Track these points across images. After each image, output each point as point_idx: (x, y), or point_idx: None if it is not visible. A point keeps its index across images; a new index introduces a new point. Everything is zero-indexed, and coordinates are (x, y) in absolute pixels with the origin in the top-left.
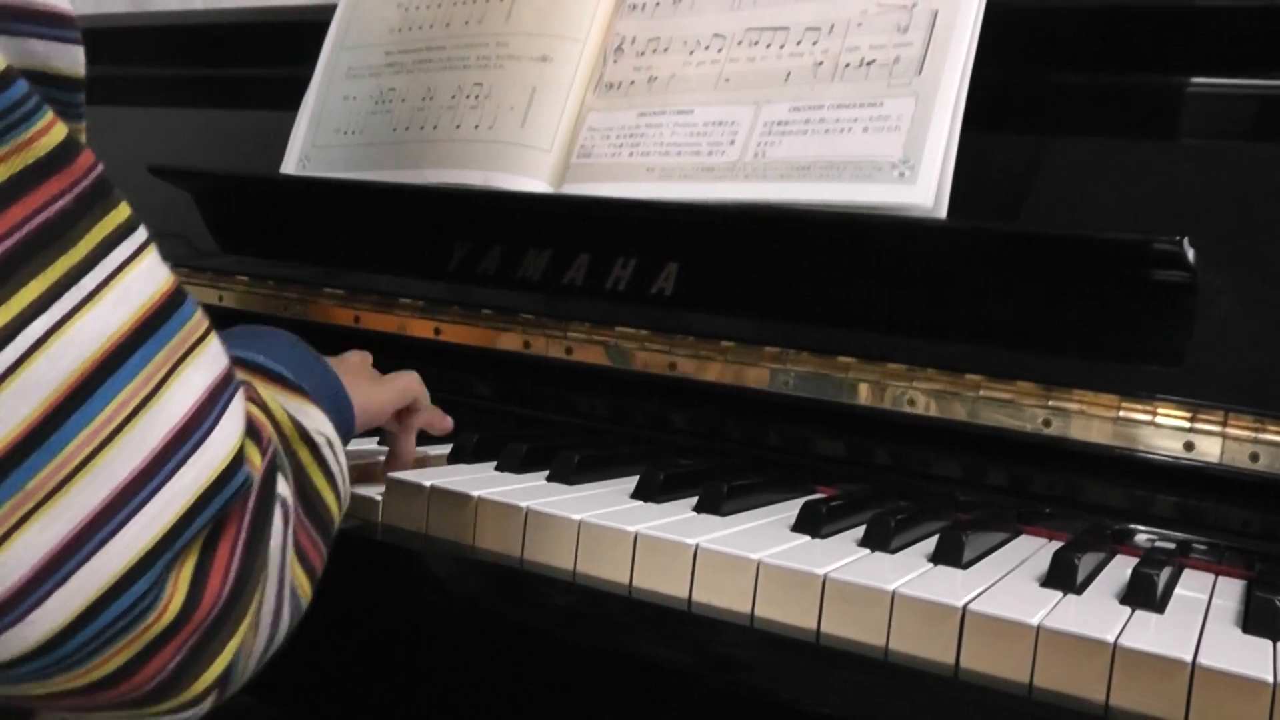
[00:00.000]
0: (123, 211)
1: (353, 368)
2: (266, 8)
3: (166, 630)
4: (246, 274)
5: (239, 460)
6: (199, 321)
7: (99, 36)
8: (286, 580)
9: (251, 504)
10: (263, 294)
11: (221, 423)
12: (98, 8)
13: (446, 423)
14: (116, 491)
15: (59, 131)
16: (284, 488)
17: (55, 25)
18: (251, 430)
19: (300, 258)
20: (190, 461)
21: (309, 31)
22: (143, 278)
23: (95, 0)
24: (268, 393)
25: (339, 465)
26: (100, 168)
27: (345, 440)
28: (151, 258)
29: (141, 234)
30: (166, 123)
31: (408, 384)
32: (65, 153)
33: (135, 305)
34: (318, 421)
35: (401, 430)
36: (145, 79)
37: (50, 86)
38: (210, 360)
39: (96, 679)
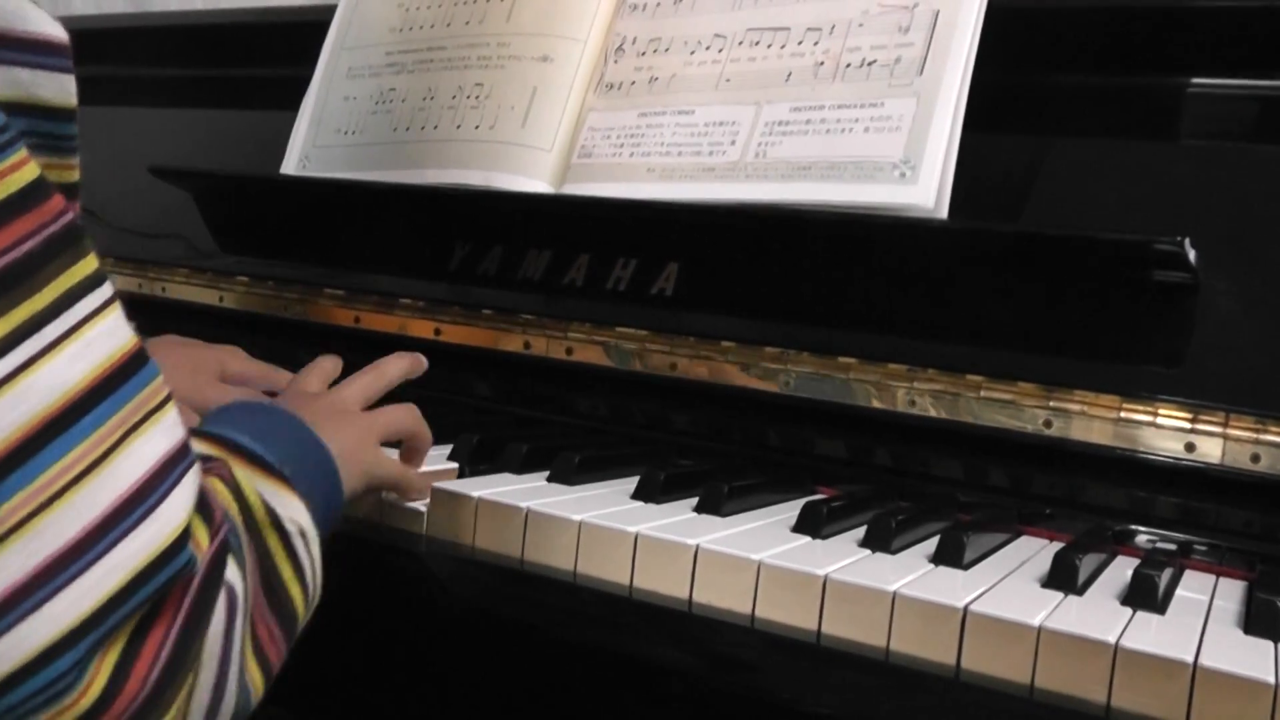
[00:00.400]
0: (91, 263)
1: (329, 416)
2: (267, 8)
3: (85, 715)
4: (247, 274)
5: (183, 539)
6: (158, 387)
7: (99, 37)
8: (231, 671)
9: (193, 590)
10: (263, 294)
11: (171, 497)
12: (98, 8)
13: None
14: (51, 559)
15: (31, 170)
16: (234, 575)
17: (42, 53)
18: (204, 509)
19: (300, 258)
20: (135, 533)
21: (309, 32)
22: (106, 334)
23: (96, 1)
24: (243, 474)
25: (310, 557)
26: (70, 215)
27: (332, 521)
28: (116, 314)
29: (108, 289)
30: (167, 123)
31: (389, 423)
32: (35, 192)
33: (95, 361)
34: (293, 510)
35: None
36: (146, 79)
37: (37, 118)
38: (166, 429)
39: None
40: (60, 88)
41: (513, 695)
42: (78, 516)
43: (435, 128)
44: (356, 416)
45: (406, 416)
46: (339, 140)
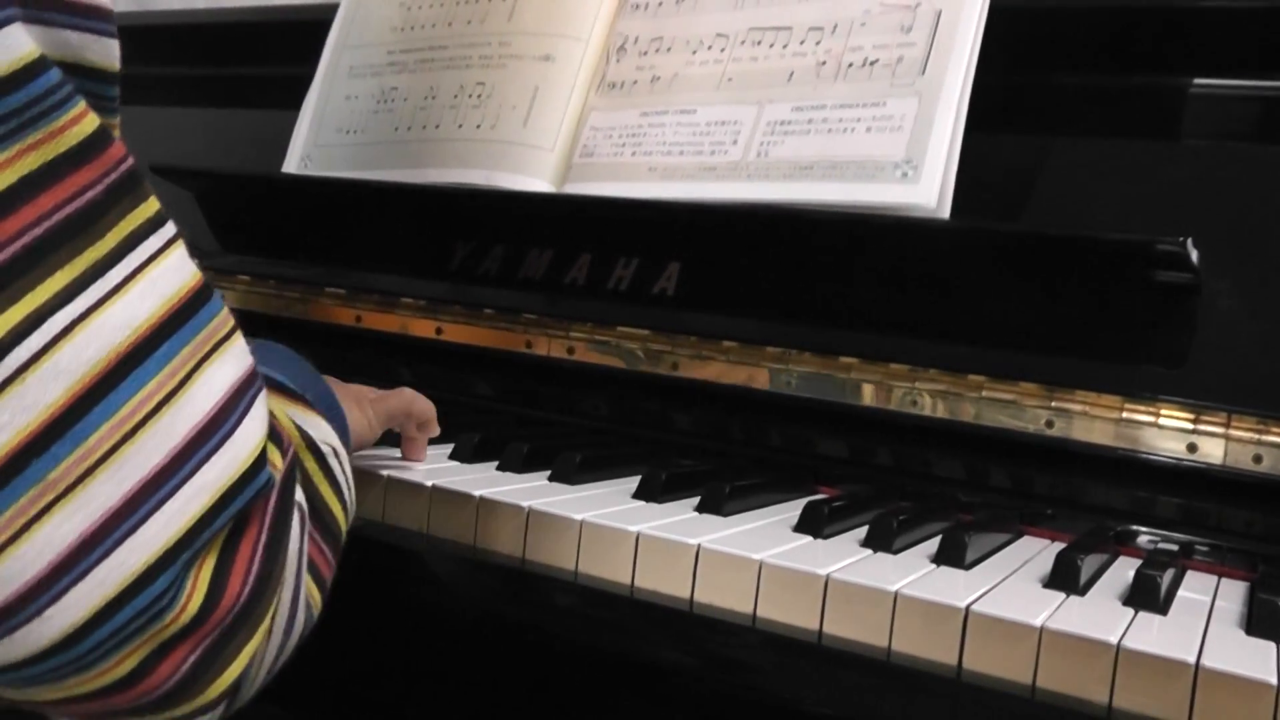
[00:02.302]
0: (152, 205)
1: (343, 391)
2: (268, 7)
3: (184, 630)
4: (248, 273)
5: (262, 459)
6: (225, 318)
7: None
8: (302, 588)
9: (272, 505)
10: (264, 293)
11: (245, 421)
12: None
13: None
14: (140, 485)
15: (91, 122)
16: (300, 495)
17: (90, 17)
18: (273, 432)
19: (302, 257)
20: (214, 458)
21: (311, 30)
22: (170, 271)
23: None
24: (274, 402)
25: (345, 475)
26: (131, 160)
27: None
28: (179, 252)
29: (170, 228)
30: (168, 122)
31: (397, 404)
32: (97, 143)
33: (162, 298)
34: (324, 431)
35: (406, 442)
36: (147, 78)
37: (84, 78)
38: (235, 357)
39: (110, 681)
40: (106, 51)
41: (513, 695)
42: (160, 444)
43: (437, 127)
44: (365, 399)
45: (413, 403)
46: (340, 139)
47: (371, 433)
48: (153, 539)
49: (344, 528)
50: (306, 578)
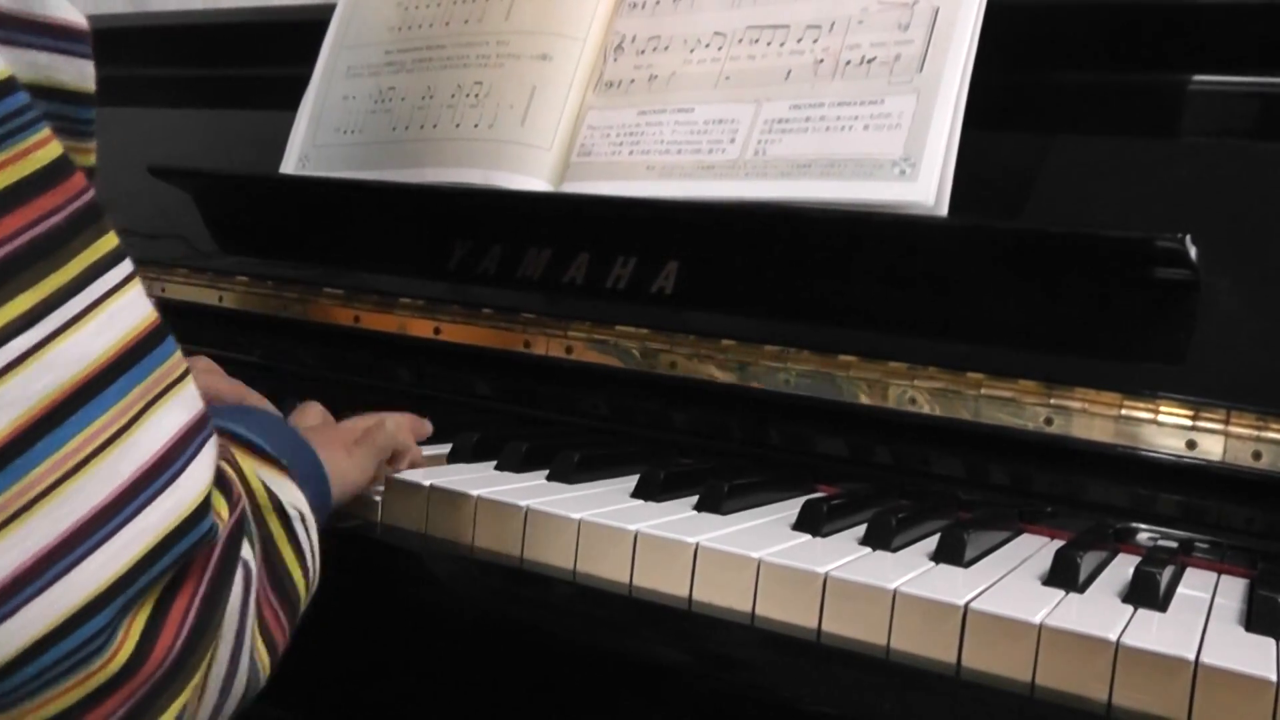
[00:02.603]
0: (112, 239)
1: (327, 440)
2: (265, 7)
3: (112, 680)
4: (246, 274)
5: (205, 507)
6: (178, 361)
7: (98, 36)
8: (245, 646)
9: (215, 558)
10: (262, 294)
11: (192, 466)
12: (97, 8)
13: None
14: (78, 525)
15: (55, 148)
16: (248, 551)
17: (62, 38)
18: (222, 483)
19: (300, 257)
20: (157, 501)
21: (308, 31)
22: (128, 307)
23: (95, 0)
24: (246, 462)
25: (309, 542)
26: (92, 192)
27: (321, 519)
28: (137, 289)
29: (129, 265)
30: (166, 123)
31: (385, 440)
32: (60, 170)
33: (119, 333)
34: (292, 495)
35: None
36: (144, 79)
37: (56, 101)
38: (186, 401)
39: None
40: (79, 72)
41: (512, 694)
42: (103, 484)
43: (434, 126)
44: (353, 442)
45: (396, 435)
46: (338, 139)
47: (364, 475)
48: (87, 581)
49: (303, 594)
50: (257, 640)
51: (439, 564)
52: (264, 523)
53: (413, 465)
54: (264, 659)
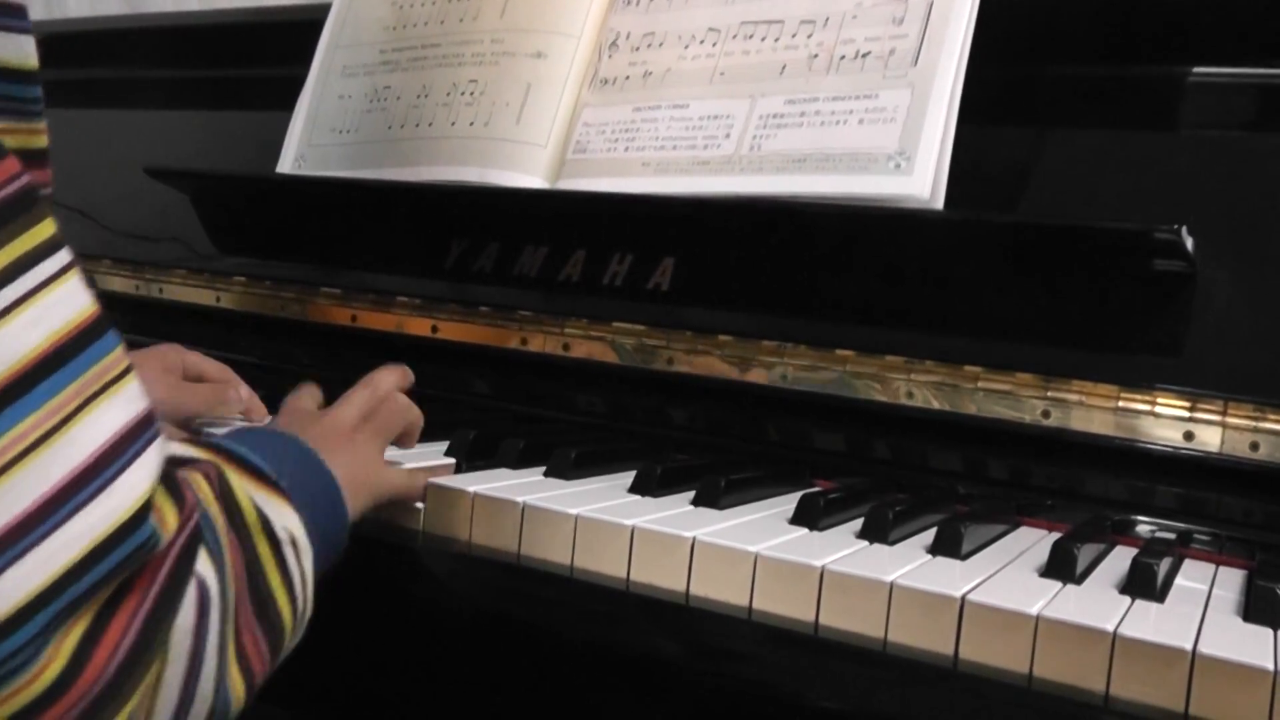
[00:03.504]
0: (48, 227)
1: (329, 442)
2: (261, 8)
3: (40, 699)
4: (243, 274)
5: (144, 513)
6: (119, 357)
7: (94, 38)
8: (205, 672)
9: (162, 575)
10: (260, 294)
11: (130, 470)
12: (93, 10)
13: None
14: (4, 530)
15: None
16: (206, 567)
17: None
18: (174, 490)
19: (297, 257)
20: (89, 507)
21: (304, 31)
22: (63, 301)
23: (90, 2)
24: (236, 478)
25: (300, 568)
26: (26, 178)
27: (336, 548)
28: (74, 281)
29: (65, 255)
30: (162, 124)
31: (387, 418)
32: None
33: (52, 328)
34: (286, 519)
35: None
36: (141, 80)
37: None
38: (127, 400)
39: None
40: (18, 48)
41: (511, 690)
42: (31, 487)
43: (430, 125)
44: (358, 435)
45: (403, 414)
46: (334, 139)
47: (375, 465)
48: (11, 591)
49: (289, 623)
50: (231, 667)
51: (437, 561)
52: (250, 543)
53: (413, 427)
54: (238, 687)
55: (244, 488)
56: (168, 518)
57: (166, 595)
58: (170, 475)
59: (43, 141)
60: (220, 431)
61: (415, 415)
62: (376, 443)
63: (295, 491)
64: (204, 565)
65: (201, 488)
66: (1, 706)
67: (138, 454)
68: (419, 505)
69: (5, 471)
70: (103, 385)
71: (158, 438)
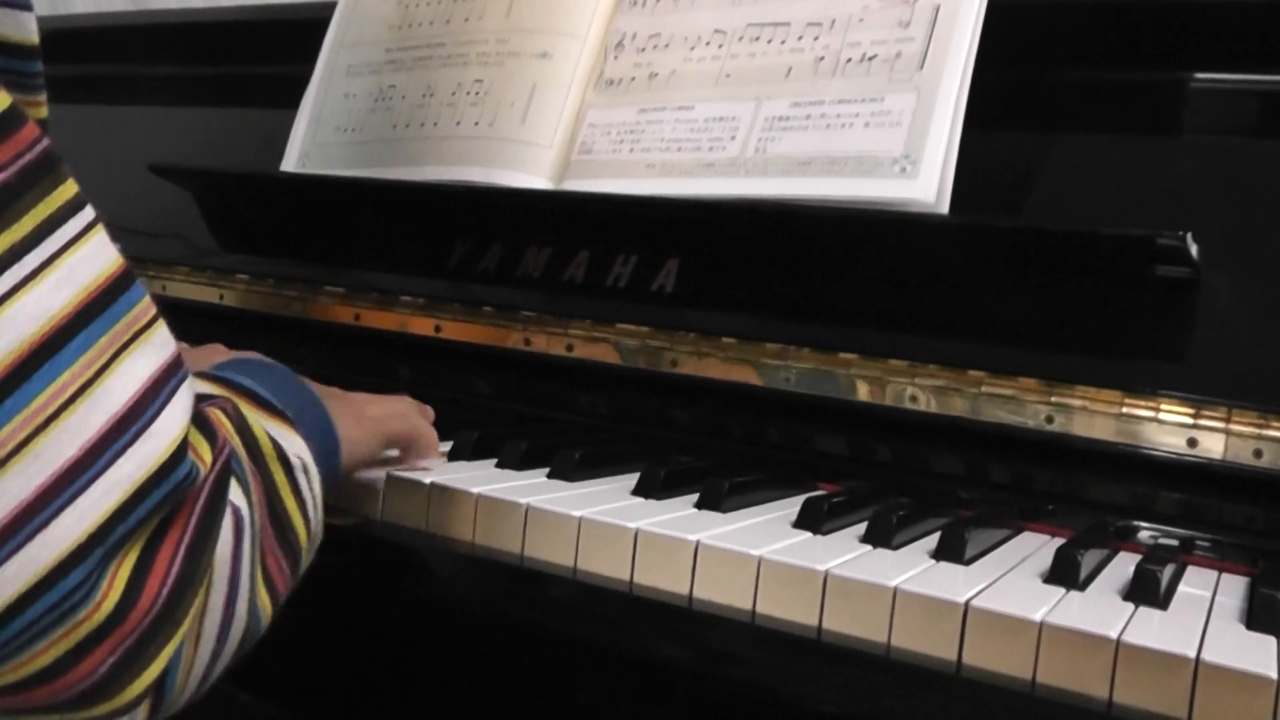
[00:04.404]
0: (70, 188)
1: (339, 407)
2: (266, 5)
3: (100, 628)
4: (247, 272)
5: (182, 452)
6: (146, 306)
7: (99, 35)
8: (240, 593)
9: (199, 507)
10: (263, 292)
11: (165, 412)
12: (97, 6)
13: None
14: (51, 480)
15: (1, 100)
16: (239, 497)
17: None
18: (205, 427)
19: (300, 256)
20: (130, 451)
21: (309, 29)
22: (89, 258)
23: (95, 0)
24: (249, 411)
25: (312, 493)
26: (46, 141)
27: (330, 478)
28: (99, 238)
29: (89, 213)
30: (167, 122)
31: (400, 426)
32: (8, 123)
33: (79, 286)
34: (296, 446)
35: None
36: (146, 77)
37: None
38: (156, 347)
39: (26, 675)
40: (19, 24)
41: (512, 692)
42: (73, 437)
43: (435, 125)
44: (365, 415)
45: (417, 425)
46: (338, 138)
47: (369, 452)
48: (64, 535)
49: (305, 545)
50: (259, 588)
51: (439, 561)
52: (268, 470)
53: (423, 454)
54: (266, 606)
55: (257, 419)
56: (203, 453)
57: (205, 525)
58: (200, 413)
59: (44, 113)
60: (222, 360)
61: (427, 432)
62: (380, 430)
63: (300, 420)
64: (236, 495)
65: (223, 423)
66: (64, 640)
67: (171, 396)
68: (421, 502)
69: (48, 425)
70: (133, 335)
71: (188, 378)
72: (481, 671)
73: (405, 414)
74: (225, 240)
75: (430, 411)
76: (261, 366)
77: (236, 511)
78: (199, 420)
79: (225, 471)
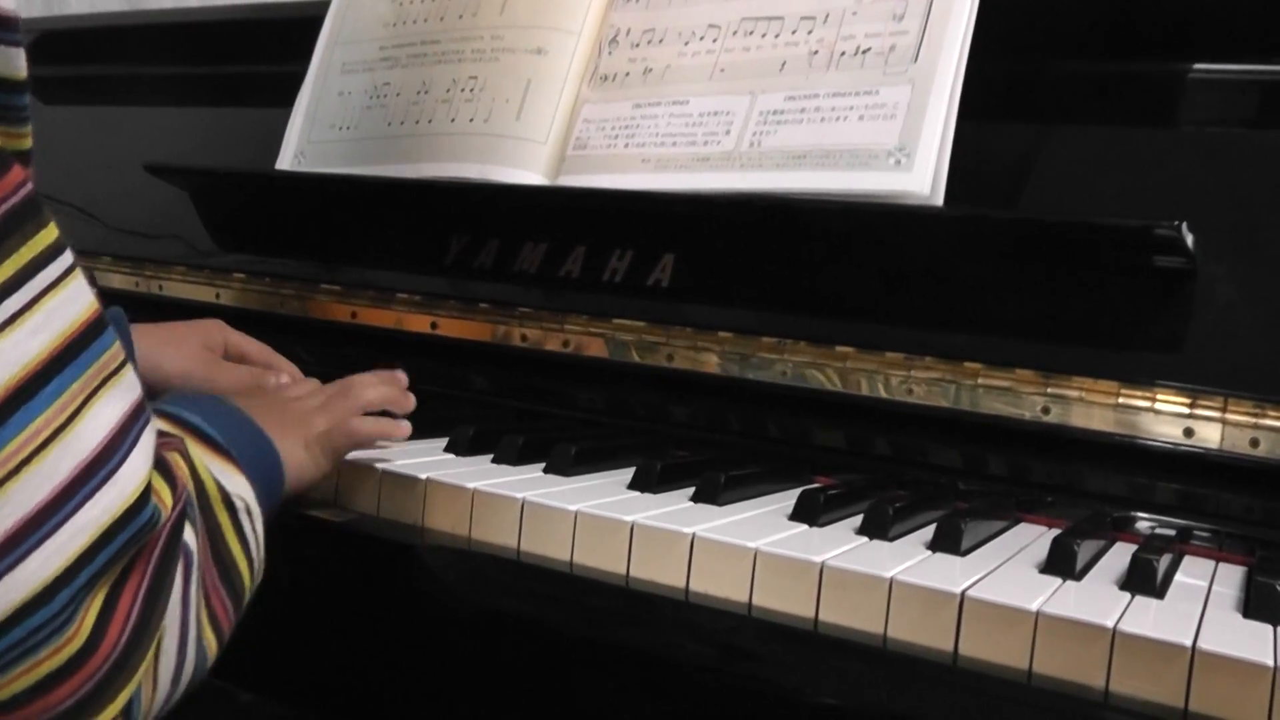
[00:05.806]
0: (50, 233)
1: (286, 430)
2: (260, 4)
3: (63, 668)
4: (243, 271)
5: (146, 496)
6: (116, 351)
7: (94, 35)
8: (190, 637)
9: (157, 552)
10: (259, 291)
11: (132, 456)
12: (92, 6)
13: (408, 401)
14: (21, 523)
15: None
16: (190, 537)
17: None
18: (164, 470)
19: (297, 254)
20: (97, 496)
21: (303, 27)
22: (67, 303)
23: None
24: (196, 452)
25: (254, 533)
26: (30, 186)
27: (275, 504)
28: (77, 282)
29: (68, 257)
30: (162, 121)
31: (349, 436)
32: None
33: (55, 332)
34: (240, 487)
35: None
36: (141, 77)
37: None
38: (124, 391)
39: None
40: (9, 60)
41: (510, 686)
42: (44, 482)
43: (430, 121)
44: (312, 434)
45: (369, 430)
46: (334, 135)
47: (318, 470)
48: (30, 577)
49: (248, 585)
50: (205, 629)
51: (435, 557)
52: (212, 515)
53: (387, 436)
54: (211, 645)
55: (202, 460)
56: (164, 497)
57: (161, 570)
58: (160, 456)
59: (28, 143)
60: (171, 395)
61: (375, 428)
62: (328, 455)
63: (243, 459)
64: (189, 535)
65: (180, 466)
66: (29, 674)
67: (136, 439)
68: (418, 498)
69: (20, 470)
70: (103, 379)
71: (150, 421)
72: (479, 666)
73: (348, 419)
74: (221, 239)
75: (403, 378)
76: (210, 403)
77: (187, 553)
78: (159, 464)
79: (182, 516)
